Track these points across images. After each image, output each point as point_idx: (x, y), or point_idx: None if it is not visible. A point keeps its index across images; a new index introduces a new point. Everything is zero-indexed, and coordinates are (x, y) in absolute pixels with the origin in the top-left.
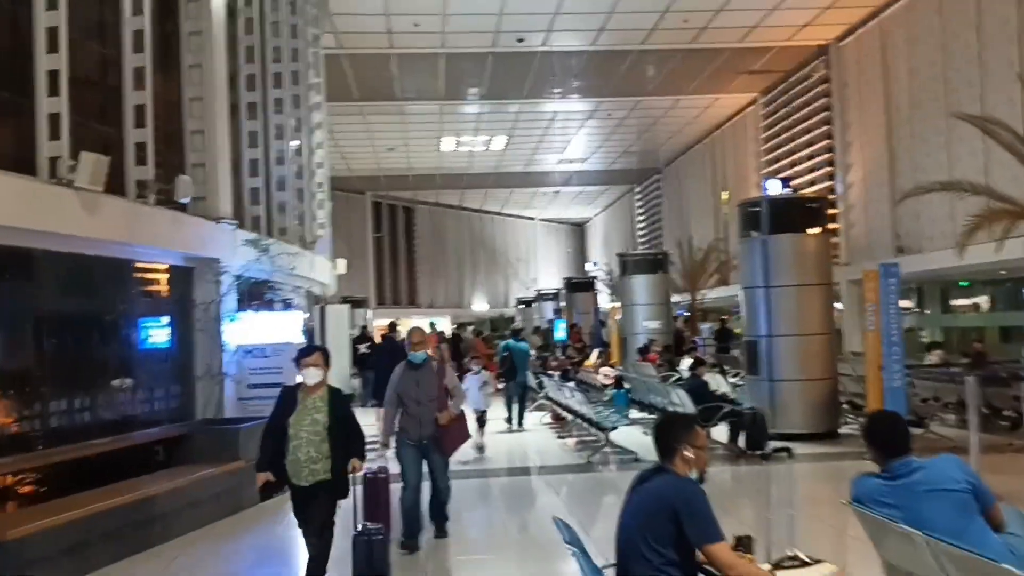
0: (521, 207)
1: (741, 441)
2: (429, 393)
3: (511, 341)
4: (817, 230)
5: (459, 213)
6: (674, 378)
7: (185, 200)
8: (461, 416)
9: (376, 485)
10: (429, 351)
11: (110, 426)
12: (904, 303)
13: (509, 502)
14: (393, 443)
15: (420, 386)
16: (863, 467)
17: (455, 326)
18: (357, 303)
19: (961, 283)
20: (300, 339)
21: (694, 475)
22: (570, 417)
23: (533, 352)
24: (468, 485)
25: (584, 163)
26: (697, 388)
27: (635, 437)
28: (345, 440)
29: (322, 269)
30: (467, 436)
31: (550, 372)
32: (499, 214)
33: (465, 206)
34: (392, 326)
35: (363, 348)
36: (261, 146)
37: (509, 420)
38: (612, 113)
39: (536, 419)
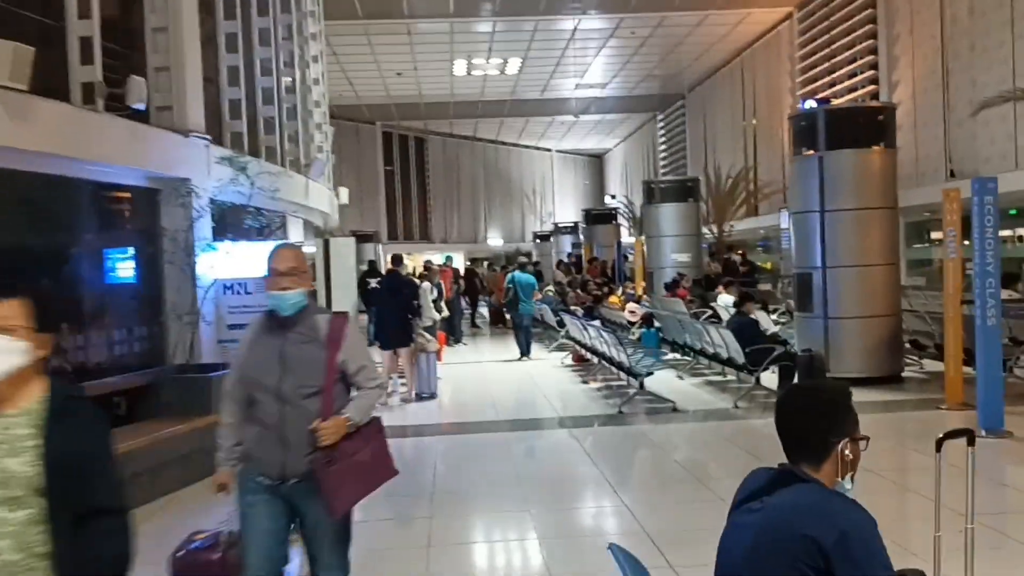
0: (537, 138)
1: None
2: (303, 380)
3: (516, 273)
4: (881, 145)
5: (473, 144)
6: (706, 315)
7: (139, 105)
8: (369, 432)
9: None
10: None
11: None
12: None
13: (526, 470)
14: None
15: (286, 366)
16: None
17: (469, 261)
18: (367, 237)
19: (1010, 212)
20: None
21: (848, 485)
22: (594, 359)
23: (552, 288)
24: (471, 442)
25: (604, 89)
26: (744, 328)
27: (669, 382)
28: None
29: (320, 197)
30: (383, 476)
31: (571, 309)
32: (515, 145)
33: (479, 137)
34: (397, 259)
35: (373, 283)
36: (242, 51)
37: (521, 354)
38: (635, 31)
39: (557, 359)
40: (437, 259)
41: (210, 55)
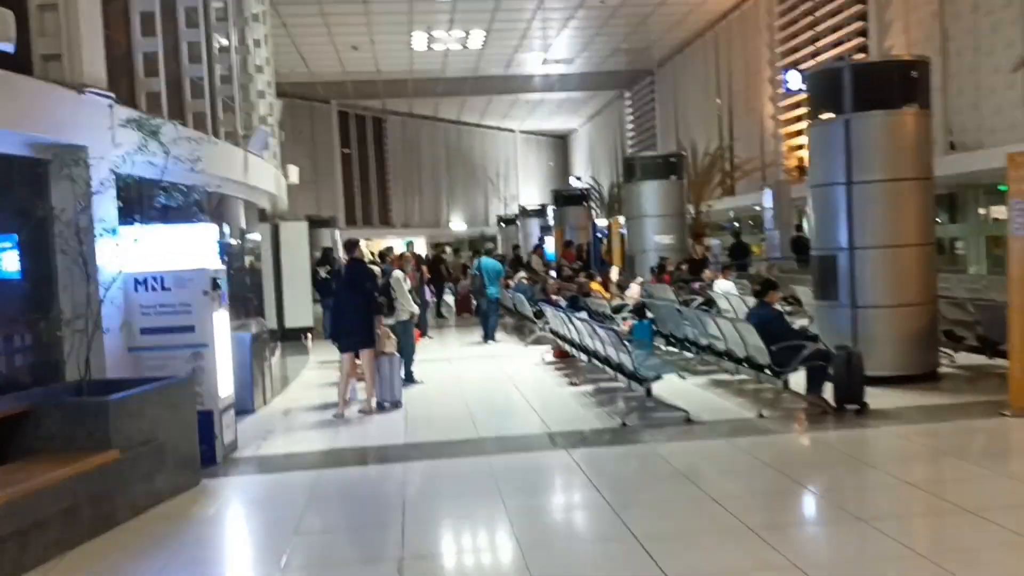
0: (500, 118)
1: (828, 393)
2: None
3: (483, 259)
4: (915, 106)
5: (434, 124)
6: (697, 303)
7: (4, 46)
8: None
9: None
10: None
11: None
12: None
13: (521, 511)
14: None
15: None
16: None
17: (433, 246)
18: (323, 223)
19: (1000, 187)
20: (216, 263)
21: None
22: (581, 356)
23: (525, 275)
24: (445, 471)
25: (570, 65)
26: (769, 321)
27: (672, 384)
28: None
29: (262, 175)
30: None
31: (552, 299)
32: (477, 126)
33: (440, 117)
34: (351, 245)
35: (323, 273)
36: None
37: (485, 337)
38: (605, 0)
39: (535, 354)
40: (398, 245)
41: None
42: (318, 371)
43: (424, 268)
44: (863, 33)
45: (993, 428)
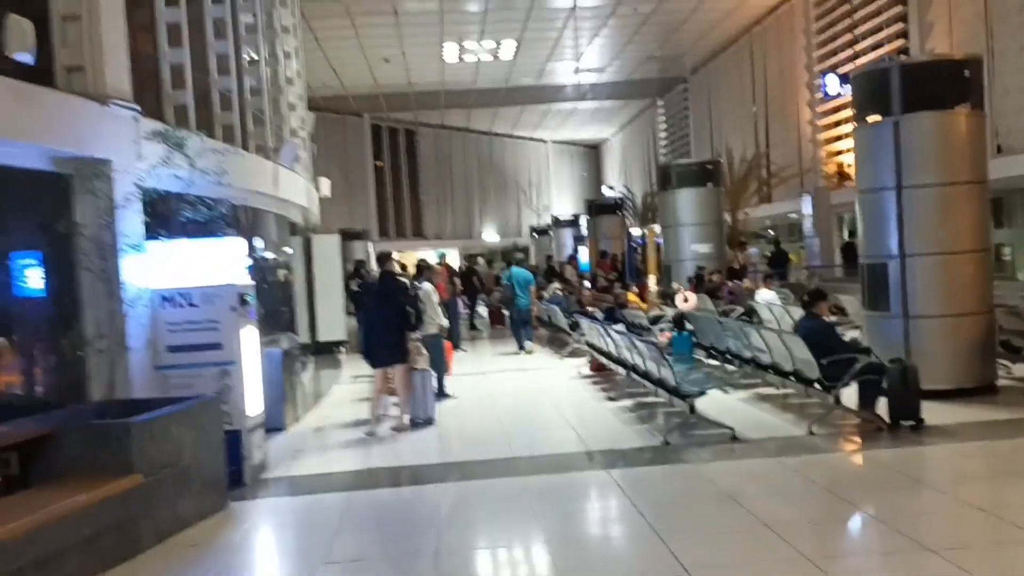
0: (532, 128)
1: (882, 408)
2: None
3: (514, 268)
4: (967, 106)
5: (465, 136)
6: (737, 312)
7: (24, 57)
8: None
9: None
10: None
11: None
12: None
13: (561, 538)
14: None
15: None
16: None
17: (466, 258)
18: (356, 235)
19: None
20: (244, 278)
21: None
22: (619, 369)
23: (559, 286)
24: (479, 493)
25: (602, 73)
26: (818, 333)
27: (714, 398)
28: None
29: (293, 188)
30: None
31: (588, 311)
32: (509, 136)
33: (472, 128)
34: (384, 258)
35: (354, 286)
36: (186, 5)
37: (520, 348)
38: (637, 8)
39: (572, 367)
40: (431, 257)
41: (144, 6)
42: (351, 386)
43: (457, 280)
44: (904, 35)
45: None
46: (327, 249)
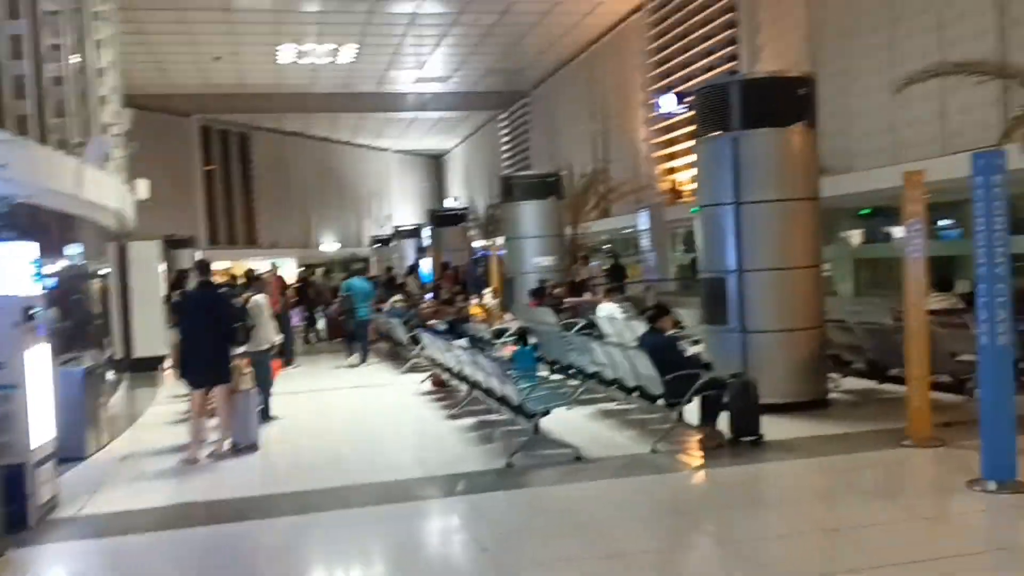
0: (373, 136)
1: (723, 423)
2: None
3: (352, 280)
4: (802, 124)
5: (304, 142)
6: (578, 326)
7: None
8: None
9: None
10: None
11: None
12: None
13: None
14: None
15: None
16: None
17: (302, 268)
18: (182, 243)
19: (862, 211)
20: (32, 288)
21: None
22: (460, 384)
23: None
24: (307, 530)
25: (444, 84)
26: (662, 349)
27: (557, 415)
28: None
29: (102, 188)
30: None
31: (429, 324)
32: (349, 144)
33: (311, 134)
34: (203, 267)
35: (176, 297)
36: None
37: (361, 359)
38: (480, 18)
39: (411, 383)
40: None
41: None
42: (169, 406)
43: (290, 291)
44: (734, 58)
45: (897, 460)
46: (146, 257)
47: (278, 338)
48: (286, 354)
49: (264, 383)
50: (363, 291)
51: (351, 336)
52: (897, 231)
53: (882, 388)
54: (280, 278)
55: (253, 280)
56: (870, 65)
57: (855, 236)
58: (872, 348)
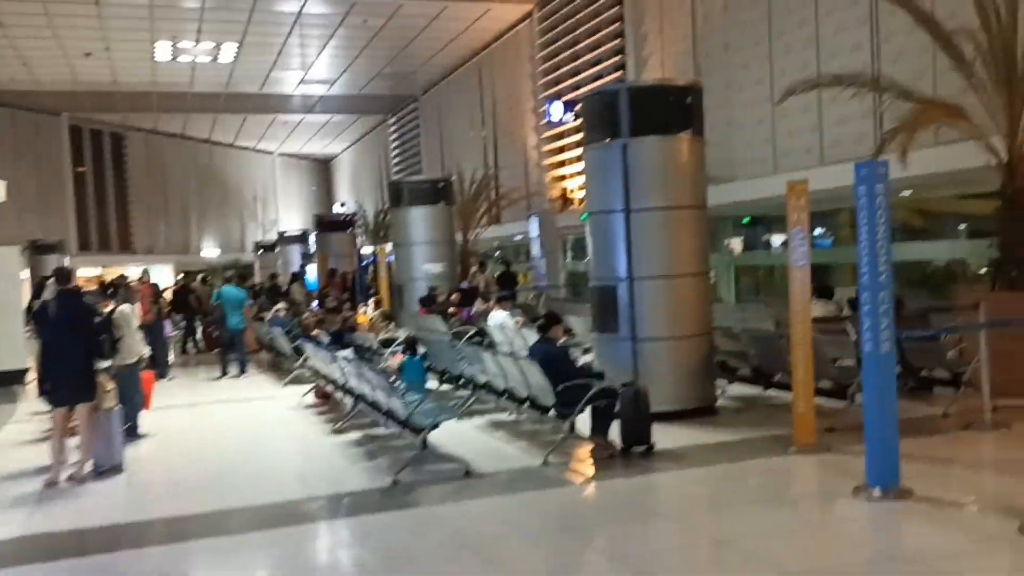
0: (257, 139)
1: (615, 433)
2: None
3: (224, 287)
4: (689, 132)
5: (183, 143)
6: (469, 333)
7: None
8: None
9: None
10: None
11: None
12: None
13: None
14: None
15: None
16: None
17: (181, 275)
18: (48, 248)
19: (744, 220)
20: None
21: None
22: (346, 397)
23: (283, 306)
24: (176, 562)
25: (331, 87)
26: (553, 358)
27: (447, 427)
28: None
29: None
30: None
31: (313, 334)
32: (232, 146)
33: (190, 135)
34: (63, 275)
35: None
36: None
37: (238, 372)
38: (368, 20)
39: (294, 396)
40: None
41: None
42: (27, 424)
43: (164, 299)
44: (622, 67)
45: (785, 468)
46: (4, 263)
47: (146, 350)
48: (159, 366)
49: (131, 399)
50: (234, 299)
51: (224, 347)
52: (776, 239)
53: (767, 394)
54: (152, 286)
55: (120, 288)
56: (751, 77)
57: (736, 244)
58: (757, 355)
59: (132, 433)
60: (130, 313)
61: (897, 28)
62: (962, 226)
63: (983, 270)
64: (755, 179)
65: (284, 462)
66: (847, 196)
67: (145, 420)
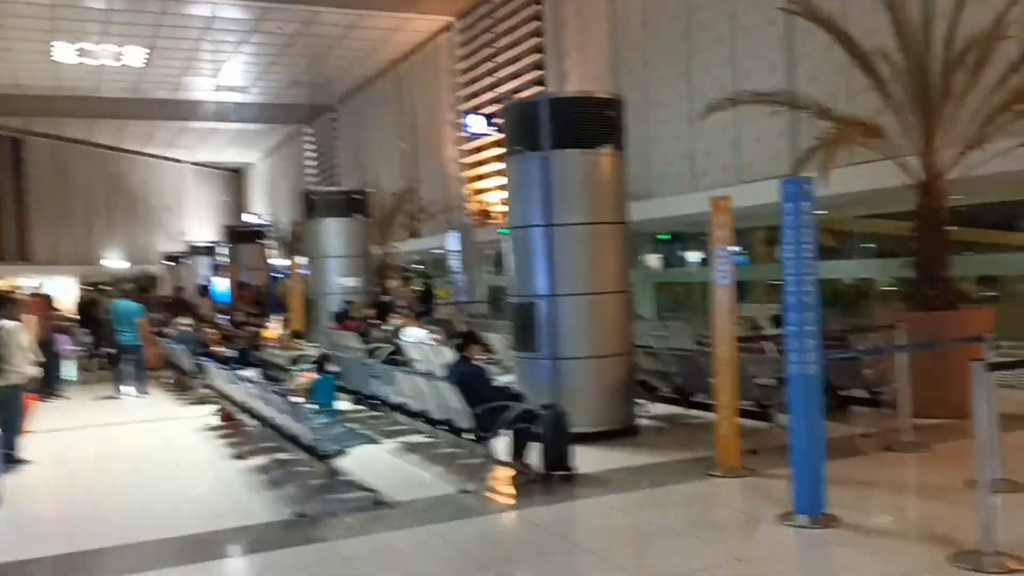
0: (167, 146)
1: (534, 458)
2: None
3: (117, 300)
4: (610, 147)
5: (88, 150)
6: (387, 351)
7: None
8: None
9: None
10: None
11: None
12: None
13: None
14: None
15: None
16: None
17: (91, 287)
18: None
19: (660, 236)
20: None
21: None
22: (251, 420)
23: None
24: None
25: (245, 94)
26: (471, 379)
27: (359, 451)
28: None
29: None
30: None
31: (214, 351)
32: (140, 154)
33: (96, 142)
34: None
35: None
36: None
37: (117, 391)
38: (282, 27)
39: (199, 419)
40: (30, 285)
41: None
42: None
43: (60, 313)
44: (541, 82)
45: (709, 492)
46: None
47: (33, 370)
48: (51, 385)
49: (9, 423)
50: (125, 313)
51: (114, 363)
52: (692, 256)
53: (688, 413)
54: (44, 298)
55: (6, 302)
56: (669, 94)
57: (655, 261)
58: (679, 374)
59: (10, 460)
60: (15, 329)
61: (813, 48)
62: (869, 245)
63: (889, 288)
64: (673, 196)
65: (183, 491)
66: (764, 214)
67: (29, 445)
